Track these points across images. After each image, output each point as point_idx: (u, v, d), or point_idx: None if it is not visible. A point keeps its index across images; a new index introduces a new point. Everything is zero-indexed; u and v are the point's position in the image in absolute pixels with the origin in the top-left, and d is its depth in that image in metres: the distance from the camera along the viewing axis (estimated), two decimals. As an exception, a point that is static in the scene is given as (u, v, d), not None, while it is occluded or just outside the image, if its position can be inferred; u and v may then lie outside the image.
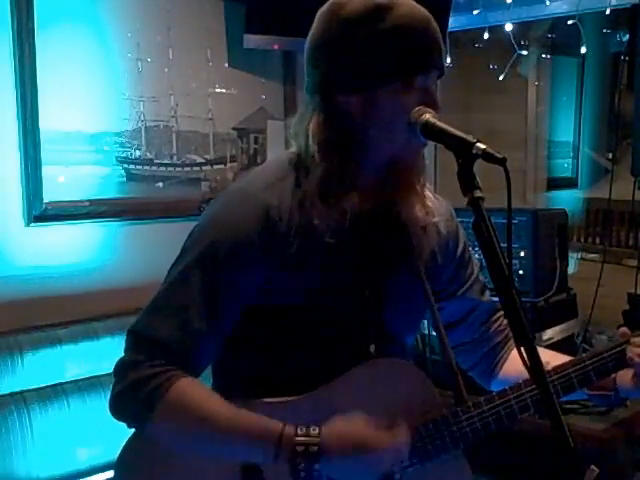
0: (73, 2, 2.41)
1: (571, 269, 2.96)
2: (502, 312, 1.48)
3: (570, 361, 1.33)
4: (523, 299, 2.42)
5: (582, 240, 4.29)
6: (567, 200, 4.25)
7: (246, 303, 1.24)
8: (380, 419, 1.18)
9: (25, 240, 2.35)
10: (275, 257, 1.21)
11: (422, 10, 1.22)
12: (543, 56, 4.13)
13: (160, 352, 1.18)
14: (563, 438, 0.97)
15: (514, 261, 2.47)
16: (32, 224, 2.35)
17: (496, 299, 1.45)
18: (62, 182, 2.43)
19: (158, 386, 1.16)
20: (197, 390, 1.20)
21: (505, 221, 1.01)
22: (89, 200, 2.48)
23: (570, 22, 2.95)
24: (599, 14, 2.99)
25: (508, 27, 3.11)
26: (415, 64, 1.18)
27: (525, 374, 1.35)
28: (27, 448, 2.08)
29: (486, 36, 3.16)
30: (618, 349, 1.33)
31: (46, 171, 2.37)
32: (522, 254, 2.50)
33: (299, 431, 1.14)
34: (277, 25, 2.76)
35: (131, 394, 1.18)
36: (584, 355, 1.34)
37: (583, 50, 3.16)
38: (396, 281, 1.33)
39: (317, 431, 1.14)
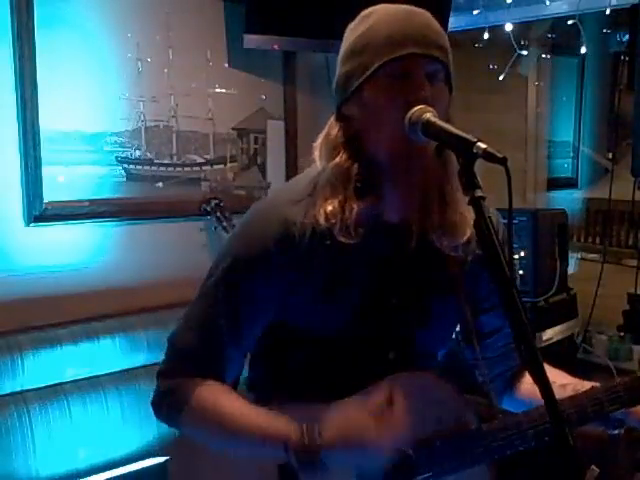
0: (73, 2, 2.41)
1: (571, 269, 2.96)
2: None
3: (585, 392, 1.32)
4: (523, 299, 2.42)
5: (582, 240, 4.28)
6: (567, 200, 4.25)
7: (269, 316, 1.29)
8: (377, 400, 1.22)
9: (25, 240, 2.36)
10: (296, 273, 1.24)
11: (400, 7, 1.24)
12: (543, 56, 4.12)
13: (188, 363, 1.29)
14: (563, 438, 0.97)
15: (514, 261, 2.47)
16: (32, 224, 2.35)
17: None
18: (62, 182, 2.43)
19: (182, 394, 1.27)
20: (215, 394, 1.28)
21: (505, 221, 1.01)
22: (89, 200, 2.48)
23: (570, 22, 2.95)
24: (599, 14, 2.99)
25: (508, 27, 3.11)
26: (383, 52, 1.19)
27: (539, 398, 1.39)
28: (27, 448, 2.09)
29: (486, 36, 3.16)
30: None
31: (46, 171, 2.37)
32: (522, 254, 2.50)
33: (305, 431, 1.19)
34: (277, 25, 2.76)
35: (163, 401, 1.31)
36: (600, 386, 1.33)
37: (583, 50, 3.16)
38: (429, 297, 1.33)
39: (320, 429, 1.19)
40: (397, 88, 1.18)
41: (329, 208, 1.21)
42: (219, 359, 1.29)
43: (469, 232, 1.27)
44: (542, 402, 1.37)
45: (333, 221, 1.21)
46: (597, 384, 1.36)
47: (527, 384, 1.46)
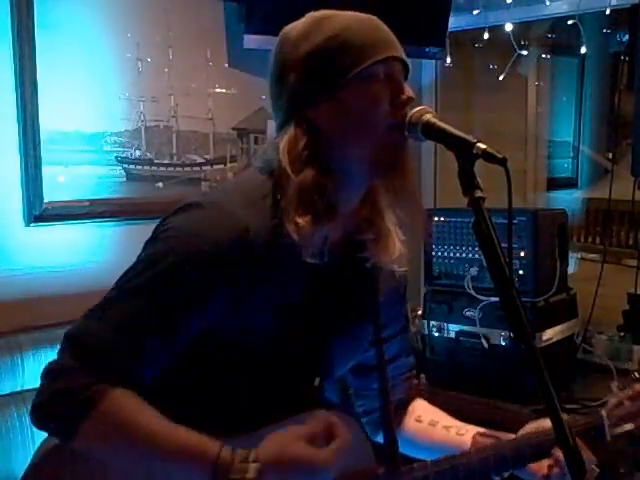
0: (73, 2, 2.41)
1: (571, 269, 2.96)
2: (414, 372, 1.52)
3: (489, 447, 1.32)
4: (523, 299, 2.41)
5: (582, 240, 4.29)
6: (567, 200, 4.26)
7: (202, 326, 1.17)
8: (314, 433, 1.14)
9: (25, 240, 2.35)
10: (244, 279, 1.15)
11: (362, 14, 1.24)
12: (543, 56, 4.13)
13: (98, 362, 1.12)
14: (563, 438, 0.97)
15: (514, 261, 2.47)
16: (32, 224, 2.35)
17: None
18: (62, 182, 2.42)
19: (89, 397, 1.09)
20: (132, 402, 1.12)
21: (505, 221, 1.01)
22: (89, 200, 2.48)
23: (570, 22, 2.95)
24: (599, 14, 2.98)
25: (508, 27, 3.10)
26: (370, 53, 1.17)
27: (419, 435, 1.43)
28: (27, 448, 2.08)
29: (486, 36, 3.15)
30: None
31: (46, 171, 2.36)
32: (522, 254, 2.50)
33: (237, 458, 1.08)
34: (277, 25, 2.73)
35: (58, 403, 1.11)
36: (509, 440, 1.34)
37: (583, 50, 3.16)
38: (349, 321, 1.32)
39: (254, 456, 1.09)
40: (383, 89, 1.18)
41: (301, 222, 1.14)
42: (136, 366, 1.13)
43: (399, 245, 1.27)
44: (422, 443, 1.43)
45: (306, 240, 1.14)
46: (482, 430, 1.37)
47: (412, 420, 1.47)
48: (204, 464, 1.07)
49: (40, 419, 1.15)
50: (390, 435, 1.34)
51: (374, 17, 1.24)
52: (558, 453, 1.29)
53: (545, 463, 1.32)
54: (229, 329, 1.18)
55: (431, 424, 1.44)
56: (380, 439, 1.41)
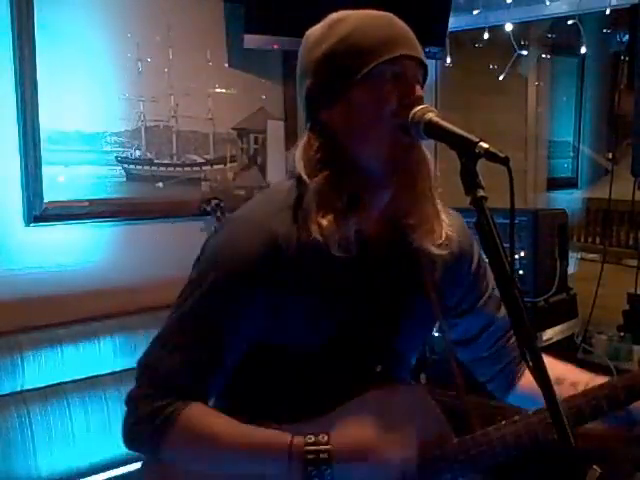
0: (73, 3, 2.41)
1: (571, 269, 2.96)
2: None
3: (583, 392, 1.30)
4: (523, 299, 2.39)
5: (582, 240, 4.29)
6: (567, 200, 4.26)
7: (255, 334, 1.24)
8: (390, 430, 1.19)
9: (25, 240, 2.35)
10: (284, 285, 1.20)
11: (378, 12, 1.24)
12: (543, 56, 4.13)
13: (168, 386, 1.22)
14: (565, 438, 0.97)
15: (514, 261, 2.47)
16: (32, 224, 2.35)
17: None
18: (62, 182, 2.42)
19: (168, 415, 1.19)
20: (205, 413, 1.23)
21: (506, 221, 1.01)
22: (89, 200, 2.48)
23: (570, 22, 2.95)
24: (599, 14, 2.99)
25: (508, 27, 3.11)
26: (379, 52, 1.17)
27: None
28: (27, 448, 2.09)
29: (486, 36, 3.16)
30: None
31: (46, 171, 2.36)
32: (522, 254, 2.50)
33: (308, 439, 1.17)
34: (277, 25, 2.76)
35: (143, 425, 1.21)
36: (603, 384, 1.30)
37: (583, 50, 3.16)
38: (407, 303, 1.32)
39: (326, 438, 1.17)
40: (391, 89, 1.18)
41: (324, 222, 1.17)
42: (204, 382, 1.23)
43: (446, 228, 1.28)
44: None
45: (331, 236, 1.17)
46: (606, 379, 1.33)
47: (528, 377, 1.43)
48: (280, 451, 1.17)
49: (132, 442, 1.25)
50: (462, 398, 1.34)
51: (389, 15, 1.23)
52: None
53: None
54: (276, 330, 1.23)
55: (557, 382, 1.36)
56: (513, 400, 1.44)
